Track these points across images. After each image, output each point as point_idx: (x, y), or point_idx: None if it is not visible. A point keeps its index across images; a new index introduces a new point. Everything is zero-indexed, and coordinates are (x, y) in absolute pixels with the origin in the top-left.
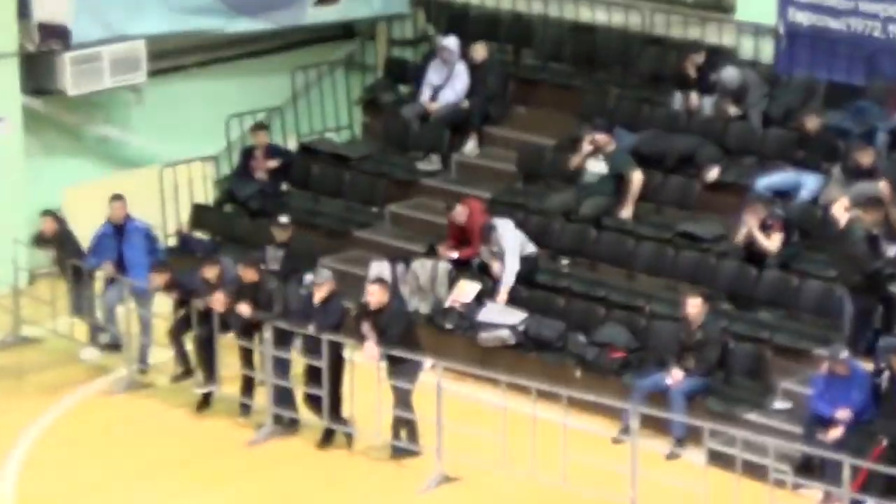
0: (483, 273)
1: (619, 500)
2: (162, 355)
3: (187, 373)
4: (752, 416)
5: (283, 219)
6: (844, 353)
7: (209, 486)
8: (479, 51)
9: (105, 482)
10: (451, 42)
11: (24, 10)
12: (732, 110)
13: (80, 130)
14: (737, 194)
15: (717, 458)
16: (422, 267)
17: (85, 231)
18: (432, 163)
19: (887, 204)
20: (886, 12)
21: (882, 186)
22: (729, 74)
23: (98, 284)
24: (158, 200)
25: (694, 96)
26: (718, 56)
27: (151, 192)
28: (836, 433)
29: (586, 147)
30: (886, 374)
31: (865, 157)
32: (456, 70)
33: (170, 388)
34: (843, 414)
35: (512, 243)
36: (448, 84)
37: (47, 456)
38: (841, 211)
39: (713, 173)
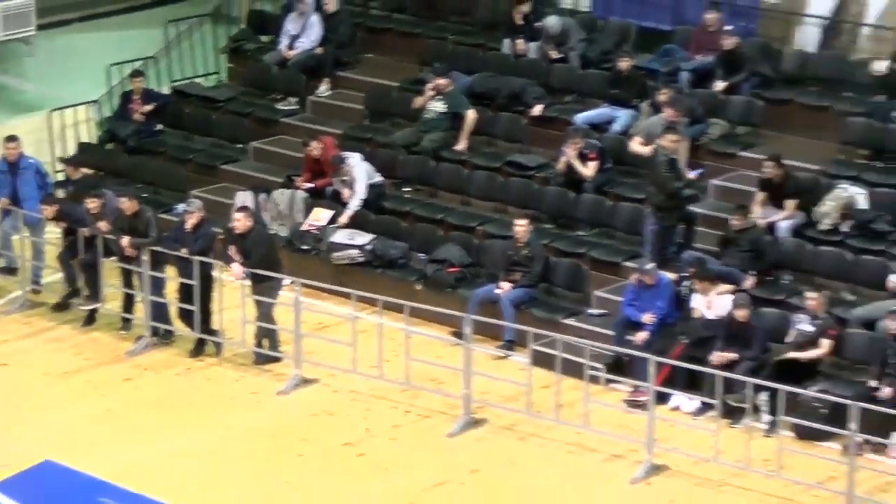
0: (335, 200)
1: (455, 397)
2: (52, 277)
3: (74, 293)
4: (571, 322)
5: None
6: (651, 266)
7: (95, 392)
8: (332, 4)
9: (9, 387)
10: None
11: None
12: (555, 54)
13: None
14: (558, 128)
15: (541, 359)
16: (281, 196)
17: None
18: (290, 104)
19: (680, 131)
20: None
21: (668, 115)
22: (551, 22)
23: None
24: (48, 140)
25: (521, 42)
26: (542, 5)
27: (42, 134)
28: (642, 335)
29: (429, 91)
30: (687, 283)
31: (661, 96)
32: (310, 21)
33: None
34: (649, 318)
35: (360, 173)
36: (304, 33)
37: None
38: (636, 146)
39: (538, 109)
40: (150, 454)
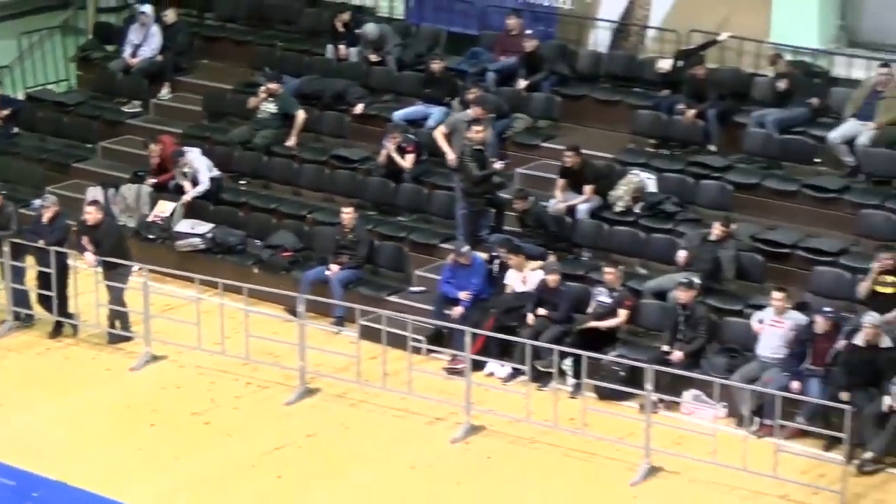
0: (178, 193)
1: (291, 369)
2: None
3: None
4: (395, 299)
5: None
6: (466, 247)
7: None
8: (170, 15)
9: None
10: (147, 8)
11: None
12: (373, 57)
13: None
14: (378, 125)
15: (368, 333)
16: (129, 190)
17: None
18: (134, 106)
19: (485, 123)
20: None
21: (475, 112)
22: (369, 28)
23: None
24: None
25: (343, 47)
26: (361, 14)
27: None
28: (459, 310)
29: (261, 93)
30: (497, 262)
31: (470, 94)
32: (151, 31)
33: None
34: (465, 295)
35: (201, 164)
36: (145, 43)
37: None
38: (438, 135)
39: (359, 108)
40: (14, 427)
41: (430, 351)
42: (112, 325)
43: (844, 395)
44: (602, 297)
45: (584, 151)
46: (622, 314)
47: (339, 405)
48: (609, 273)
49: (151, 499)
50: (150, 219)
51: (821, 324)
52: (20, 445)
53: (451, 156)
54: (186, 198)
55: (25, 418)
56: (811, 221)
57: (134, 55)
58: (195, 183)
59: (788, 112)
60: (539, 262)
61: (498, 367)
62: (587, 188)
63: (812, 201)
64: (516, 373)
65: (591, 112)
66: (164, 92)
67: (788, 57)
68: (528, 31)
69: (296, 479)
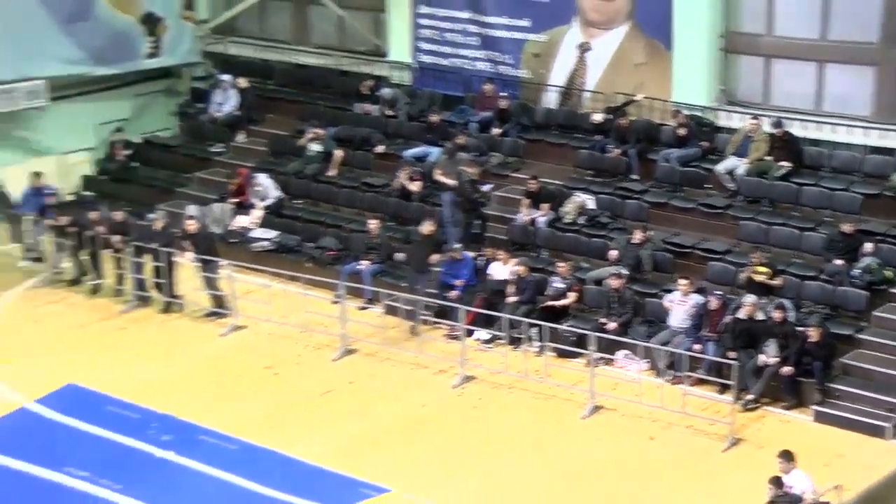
0: (252, 209)
1: (335, 335)
2: (66, 263)
3: (83, 273)
4: (408, 285)
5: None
6: (458, 246)
7: (99, 336)
8: (243, 82)
9: (42, 335)
10: (227, 77)
11: None
12: (389, 112)
13: (8, 134)
14: (394, 160)
15: (390, 310)
16: (216, 207)
17: (16, 192)
18: (219, 147)
19: (474, 164)
20: (474, 55)
21: (470, 168)
22: (386, 91)
23: (27, 223)
24: (58, 174)
25: (367, 105)
26: (380, 81)
27: (52, 169)
28: (455, 293)
29: (308, 136)
30: (485, 260)
31: (461, 139)
32: (230, 93)
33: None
34: (459, 282)
35: (269, 184)
36: (226, 102)
37: (5, 322)
38: (439, 174)
39: (380, 148)
40: (135, 375)
41: (434, 323)
42: (210, 305)
43: (731, 354)
44: (557, 283)
45: (541, 180)
46: (571, 296)
47: (369, 361)
48: (561, 266)
49: (234, 423)
50: (231, 228)
51: (714, 303)
52: (141, 389)
53: (451, 183)
54: (258, 210)
55: (144, 369)
56: (705, 230)
57: (218, 111)
58: (264, 200)
59: (686, 151)
60: (517, 259)
61: (483, 334)
62: (544, 206)
63: (705, 215)
64: (495, 338)
65: (545, 151)
66: (241, 137)
67: (686, 111)
68: (501, 94)
69: (339, 413)
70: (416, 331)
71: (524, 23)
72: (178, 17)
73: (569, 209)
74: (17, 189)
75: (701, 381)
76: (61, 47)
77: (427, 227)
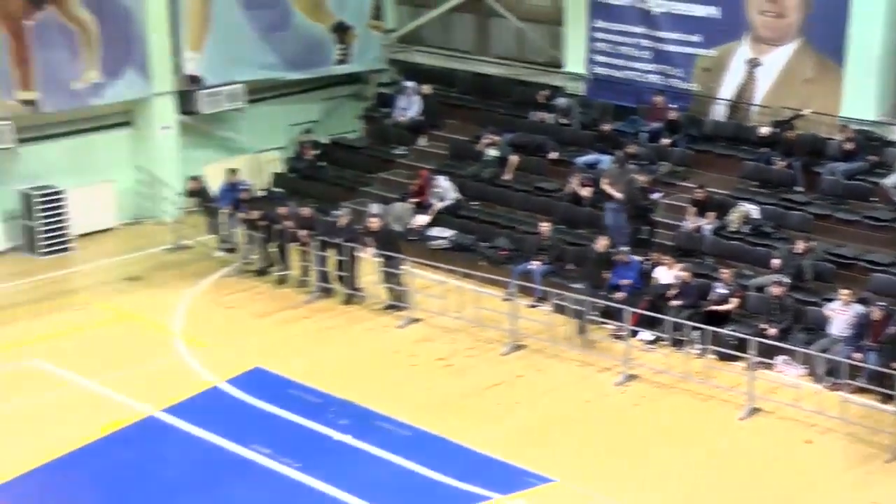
0: (430, 209)
1: (505, 331)
2: (257, 256)
3: (270, 264)
4: (577, 286)
5: (342, 212)
6: (626, 249)
7: (284, 324)
8: (426, 89)
9: (233, 321)
10: (411, 84)
11: (177, 68)
12: (563, 121)
13: (209, 133)
14: (566, 167)
15: (558, 308)
16: (398, 206)
17: (214, 187)
18: (401, 150)
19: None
20: (646, 68)
21: (641, 178)
22: (561, 101)
23: (222, 216)
24: (252, 171)
25: (543, 113)
26: (556, 91)
27: (246, 167)
28: (621, 295)
29: (485, 141)
30: (651, 264)
31: (632, 148)
32: (413, 99)
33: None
34: (625, 282)
35: (447, 186)
36: (409, 107)
37: (200, 307)
38: (606, 184)
39: (554, 155)
40: (317, 361)
41: (601, 322)
42: (389, 298)
43: (894, 364)
44: (720, 289)
45: (708, 189)
46: (734, 301)
47: (537, 356)
48: (725, 273)
49: (408, 410)
50: (411, 226)
51: (876, 313)
52: (321, 374)
53: (617, 196)
54: (435, 210)
55: (325, 356)
56: (869, 242)
57: (402, 115)
58: (442, 200)
59: (852, 165)
60: (682, 264)
61: (647, 335)
62: (710, 214)
63: (869, 227)
64: (658, 339)
65: (712, 162)
66: (422, 141)
67: (854, 126)
68: (671, 105)
69: (507, 404)
70: (583, 330)
71: (696, 38)
72: (366, 26)
73: (734, 218)
74: (214, 184)
75: (861, 390)
76: (261, 54)
77: (601, 244)
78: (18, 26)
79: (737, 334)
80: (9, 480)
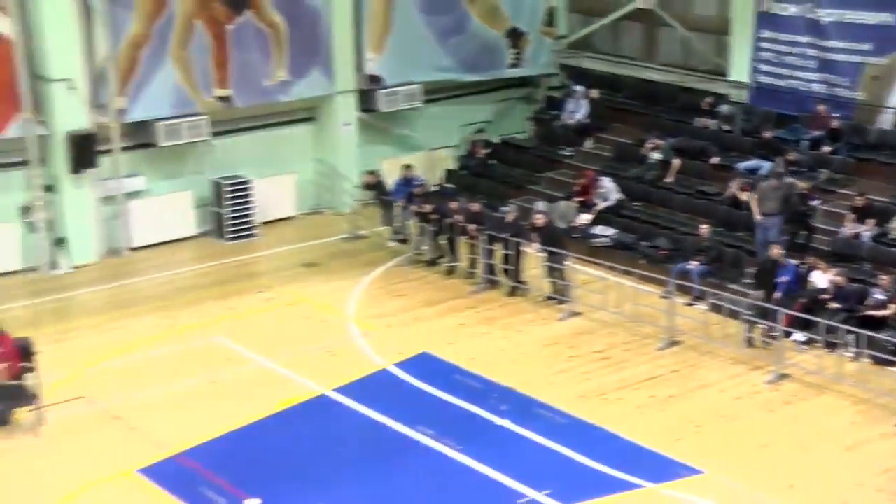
0: (593, 208)
1: (662, 327)
2: (428, 247)
3: (440, 256)
4: (733, 286)
5: (510, 208)
6: (778, 250)
7: (451, 312)
8: (594, 93)
9: (402, 308)
10: (580, 88)
11: (358, 68)
12: (726, 127)
13: (387, 130)
14: (728, 171)
15: (715, 308)
16: (563, 204)
17: (390, 181)
18: (569, 151)
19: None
20: (810, 77)
21: (801, 184)
22: (725, 108)
23: (396, 209)
24: (425, 167)
25: (706, 119)
26: (719, 98)
27: (421, 163)
28: (776, 295)
29: (649, 145)
30: (806, 268)
31: (792, 155)
32: (581, 103)
33: (430, 263)
34: (783, 279)
35: (611, 187)
36: (577, 110)
37: (372, 294)
38: (737, 191)
39: (715, 160)
40: (482, 351)
41: (755, 322)
42: (552, 291)
43: None
44: (878, 294)
45: (868, 196)
46: (892, 308)
47: (692, 353)
48: (884, 279)
49: (566, 399)
50: (575, 224)
51: None
52: (485, 362)
53: (757, 217)
54: (598, 209)
55: (488, 344)
56: None
57: (570, 118)
58: (606, 200)
59: None
60: (838, 269)
61: (800, 336)
62: (870, 221)
63: None
64: (812, 341)
65: (875, 170)
66: (589, 143)
67: None
68: (833, 114)
69: (661, 398)
70: (752, 343)
71: (866, 46)
72: (539, 32)
73: (894, 225)
74: (390, 179)
75: None
76: (438, 57)
77: (775, 251)
78: (222, 30)
79: (894, 340)
80: (197, 445)
